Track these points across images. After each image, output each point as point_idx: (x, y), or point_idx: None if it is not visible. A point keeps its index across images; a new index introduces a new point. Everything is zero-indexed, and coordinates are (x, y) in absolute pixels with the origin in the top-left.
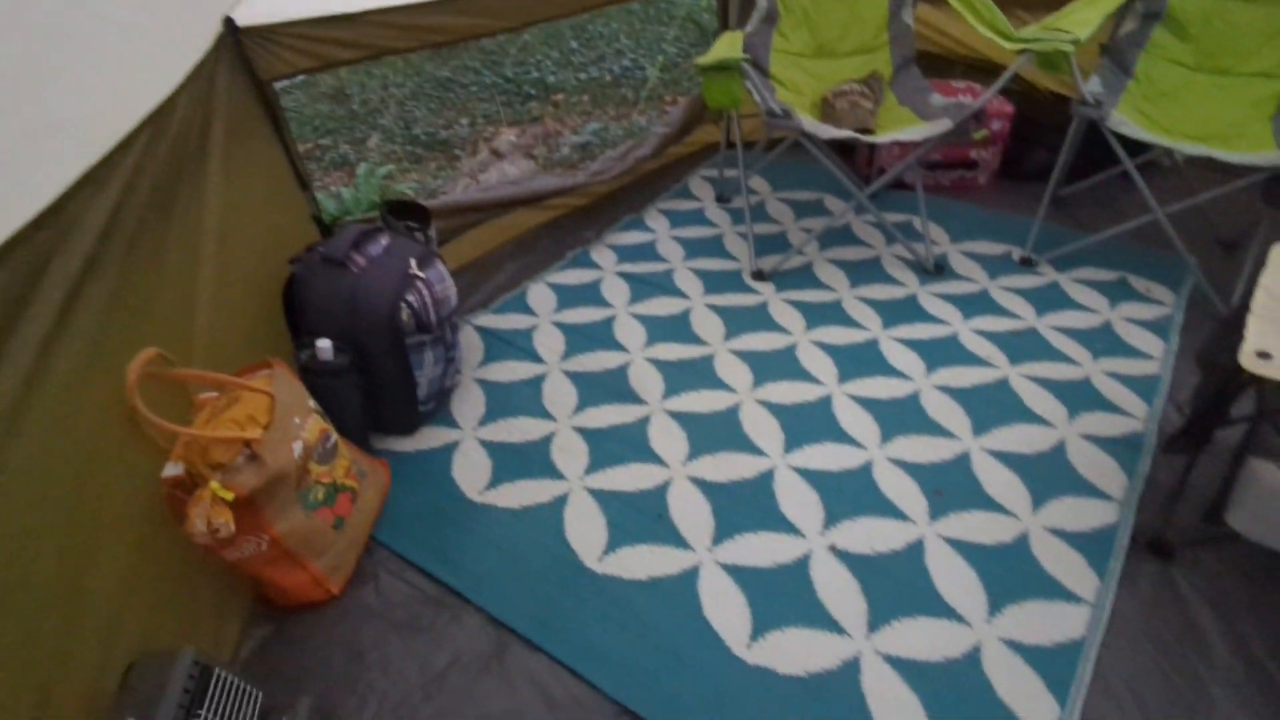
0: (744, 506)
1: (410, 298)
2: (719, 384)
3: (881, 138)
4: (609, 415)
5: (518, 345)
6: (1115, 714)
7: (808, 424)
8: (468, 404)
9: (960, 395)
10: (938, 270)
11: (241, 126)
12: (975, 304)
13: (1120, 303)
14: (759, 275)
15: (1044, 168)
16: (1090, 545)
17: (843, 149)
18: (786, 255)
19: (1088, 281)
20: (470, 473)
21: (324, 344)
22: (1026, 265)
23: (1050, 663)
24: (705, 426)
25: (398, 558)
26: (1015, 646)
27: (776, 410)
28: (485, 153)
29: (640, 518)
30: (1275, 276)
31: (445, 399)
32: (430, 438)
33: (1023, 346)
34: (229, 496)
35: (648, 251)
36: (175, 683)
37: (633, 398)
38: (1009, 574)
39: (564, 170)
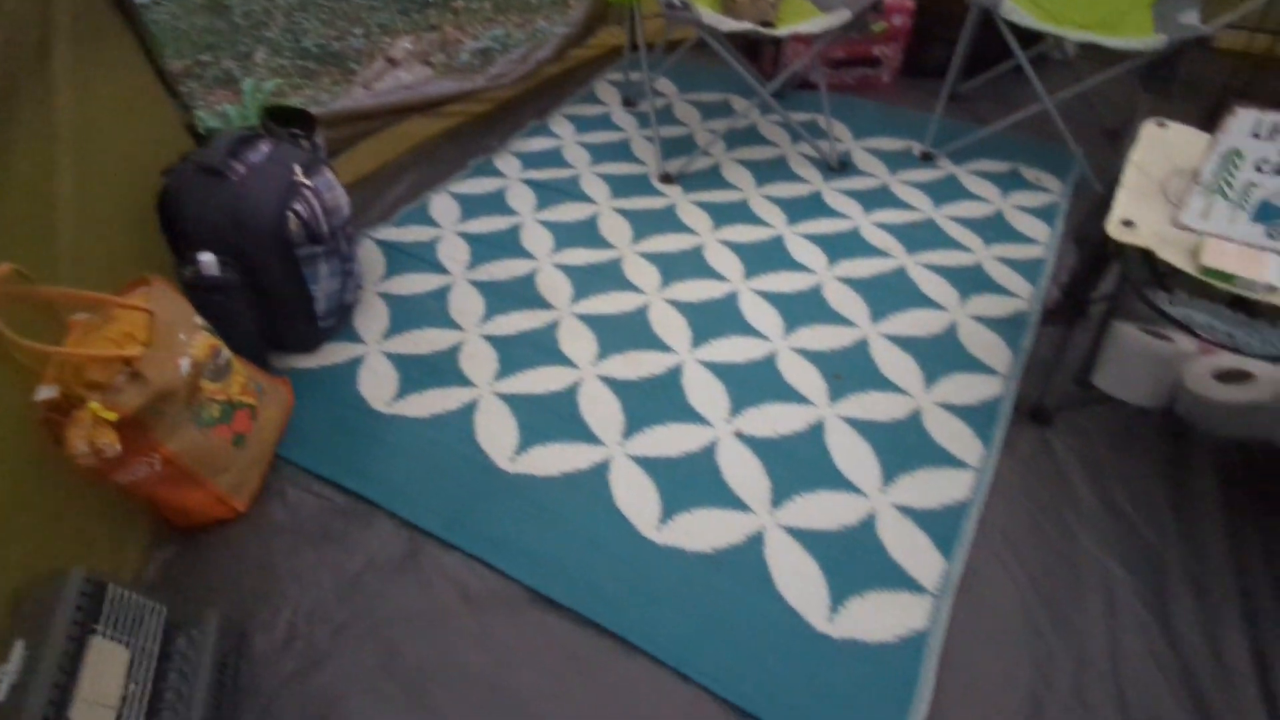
0: (653, 401)
1: (297, 206)
2: (627, 285)
3: (782, 30)
4: (517, 322)
5: (421, 257)
6: (994, 563)
7: (714, 320)
8: (371, 318)
9: (860, 285)
10: (841, 167)
11: (89, 25)
12: (876, 198)
13: (1011, 192)
14: (666, 178)
15: (944, 63)
16: (976, 416)
17: (748, 50)
18: (693, 157)
19: (982, 173)
20: (376, 385)
21: (207, 258)
22: (926, 160)
23: (938, 523)
24: (614, 327)
25: (305, 472)
26: (907, 511)
27: (684, 308)
28: (380, 61)
29: (551, 418)
30: (1144, 152)
31: (347, 314)
32: (333, 353)
33: (920, 237)
34: (112, 417)
35: (553, 157)
36: (66, 602)
37: (541, 303)
38: (902, 447)
39: (463, 76)
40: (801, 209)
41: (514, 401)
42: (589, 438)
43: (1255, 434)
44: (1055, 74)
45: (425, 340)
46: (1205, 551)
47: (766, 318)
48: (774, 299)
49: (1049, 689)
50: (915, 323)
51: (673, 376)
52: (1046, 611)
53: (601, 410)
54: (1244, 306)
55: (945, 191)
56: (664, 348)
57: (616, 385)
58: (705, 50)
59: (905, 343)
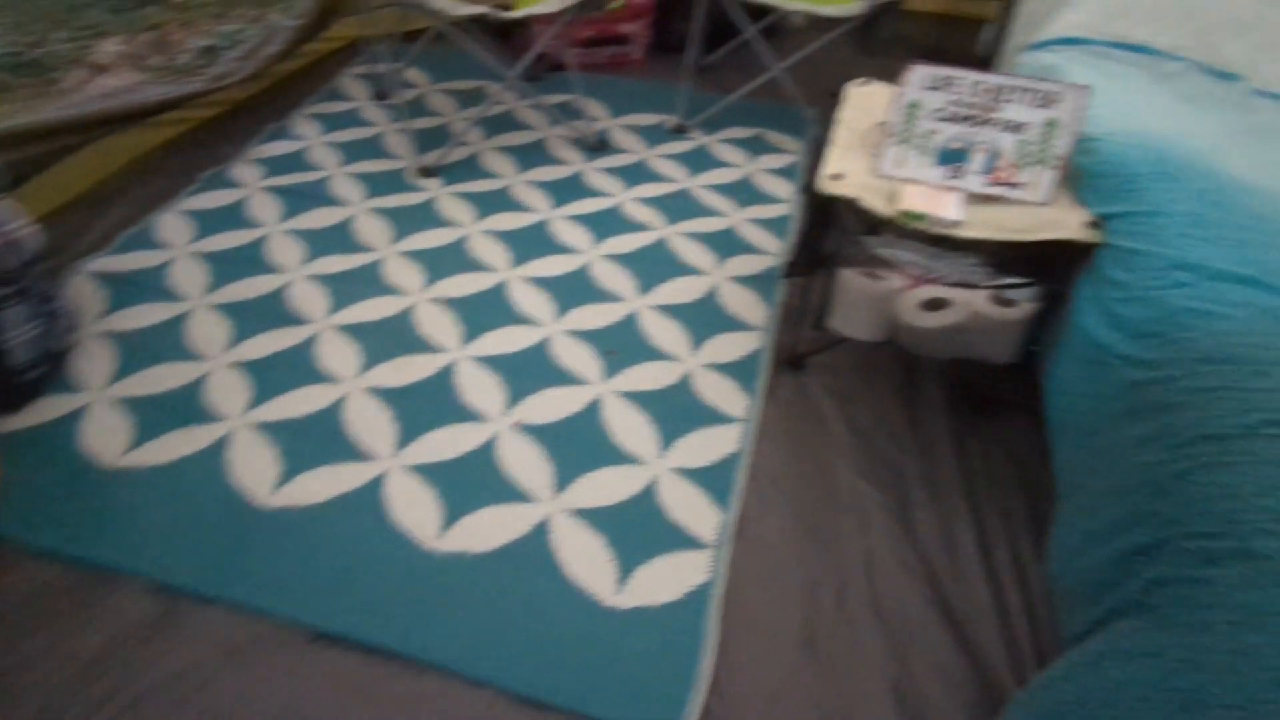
0: (426, 406)
1: None
2: (389, 289)
3: (519, 12)
4: (269, 343)
5: (149, 286)
6: (764, 504)
7: (484, 313)
8: (92, 363)
9: (626, 260)
10: (600, 146)
11: None
12: (635, 174)
13: (758, 155)
14: (424, 171)
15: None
16: (740, 371)
17: (501, 35)
18: (450, 147)
19: (731, 140)
20: (105, 437)
21: None
22: (679, 132)
23: (713, 478)
24: (378, 335)
25: (20, 550)
26: (684, 473)
27: (452, 305)
28: (84, 68)
29: (315, 441)
30: (850, 109)
31: (58, 362)
32: (45, 409)
33: (678, 207)
34: None
35: (298, 161)
36: None
37: (295, 319)
38: (675, 412)
39: (181, 79)
40: (564, 191)
41: (272, 430)
42: (358, 455)
43: (961, 352)
44: (788, 43)
45: (161, 378)
46: (936, 459)
47: (537, 304)
48: (543, 284)
49: (818, 611)
50: (679, 290)
51: (444, 377)
52: (811, 540)
53: (370, 424)
54: (938, 241)
55: (698, 161)
56: (433, 349)
57: (385, 395)
58: (452, 37)
59: (672, 311)
